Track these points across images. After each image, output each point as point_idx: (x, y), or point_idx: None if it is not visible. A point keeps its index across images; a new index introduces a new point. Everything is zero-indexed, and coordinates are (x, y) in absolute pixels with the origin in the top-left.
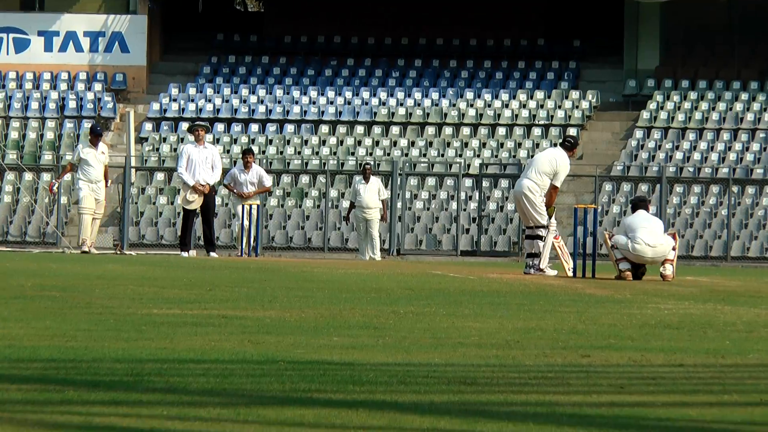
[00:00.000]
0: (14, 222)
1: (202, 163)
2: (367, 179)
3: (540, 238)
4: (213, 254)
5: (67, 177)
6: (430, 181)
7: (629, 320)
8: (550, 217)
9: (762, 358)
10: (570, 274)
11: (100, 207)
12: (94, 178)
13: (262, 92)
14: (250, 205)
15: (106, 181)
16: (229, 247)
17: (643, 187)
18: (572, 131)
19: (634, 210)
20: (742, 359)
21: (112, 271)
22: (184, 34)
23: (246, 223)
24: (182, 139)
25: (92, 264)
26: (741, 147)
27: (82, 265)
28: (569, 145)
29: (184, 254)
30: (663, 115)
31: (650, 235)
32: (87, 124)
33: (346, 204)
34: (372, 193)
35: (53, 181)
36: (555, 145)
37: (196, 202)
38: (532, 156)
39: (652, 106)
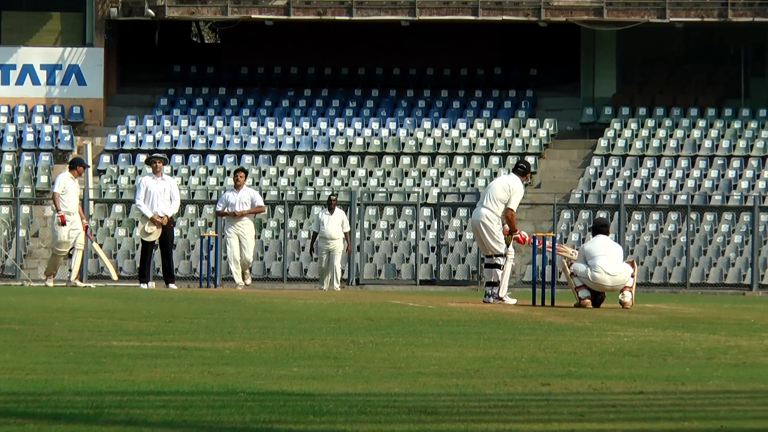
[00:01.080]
0: None
1: (161, 194)
2: (331, 210)
3: (498, 266)
4: (172, 286)
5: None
6: (389, 211)
7: (589, 348)
8: (507, 246)
9: (722, 384)
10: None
11: (81, 237)
12: (72, 209)
13: (219, 123)
14: (209, 237)
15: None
16: (188, 279)
17: (602, 215)
18: (530, 159)
19: (594, 234)
20: (702, 386)
21: (72, 304)
22: (140, 65)
23: (231, 252)
24: (140, 171)
25: (51, 297)
26: (699, 174)
27: (41, 297)
28: (522, 170)
29: (144, 286)
30: (620, 142)
31: (610, 263)
32: (45, 157)
33: (305, 234)
34: (336, 224)
35: (60, 213)
36: (509, 172)
37: (154, 233)
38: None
39: (609, 133)
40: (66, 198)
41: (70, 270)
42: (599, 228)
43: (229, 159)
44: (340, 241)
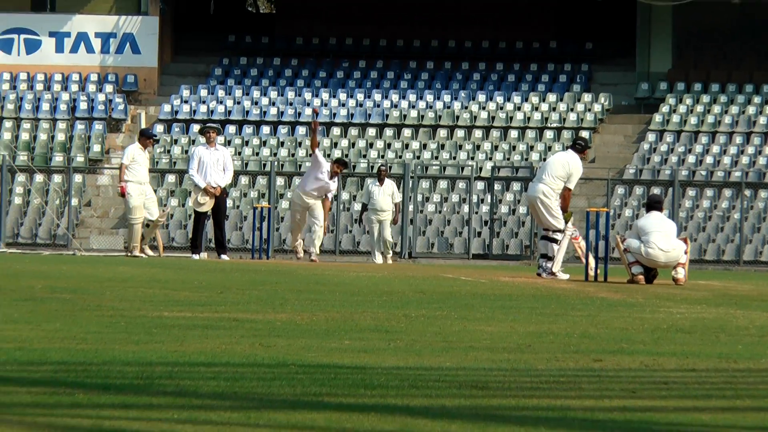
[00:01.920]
0: (25, 224)
1: (214, 165)
2: (381, 182)
3: (555, 241)
4: (224, 257)
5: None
6: (442, 184)
7: (641, 324)
8: (566, 222)
9: None
10: (591, 273)
11: (154, 208)
12: (143, 178)
13: (273, 94)
14: (262, 208)
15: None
16: (240, 250)
17: (656, 191)
18: (584, 134)
19: (648, 210)
20: (754, 364)
21: (123, 273)
22: (195, 34)
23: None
24: (193, 141)
25: (103, 266)
26: (754, 150)
27: (93, 267)
28: (580, 148)
29: (195, 257)
30: (675, 118)
31: (664, 239)
32: (98, 126)
33: (358, 206)
34: (386, 195)
35: (122, 184)
36: (567, 148)
37: (207, 204)
38: (545, 159)
39: (664, 109)
40: (135, 169)
41: (143, 237)
42: (653, 204)
43: (282, 130)
44: (389, 212)
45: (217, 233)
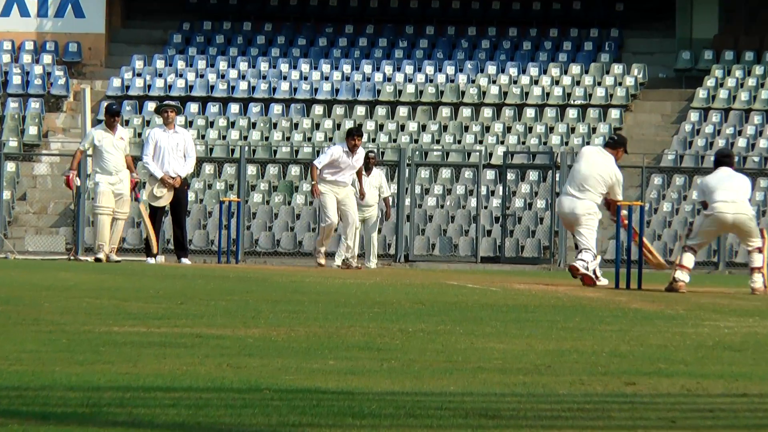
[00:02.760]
0: None
1: (173, 150)
2: (368, 170)
3: (583, 250)
4: (185, 260)
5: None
6: (445, 173)
7: (682, 340)
8: None
9: None
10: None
11: (122, 204)
12: (112, 168)
13: (243, 66)
14: (230, 202)
15: (131, 172)
16: (204, 252)
17: (699, 180)
18: (614, 113)
19: (716, 166)
20: None
21: (65, 281)
22: None
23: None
24: (148, 122)
25: (41, 272)
26: None
27: (29, 272)
28: (613, 144)
29: (151, 261)
30: (723, 93)
31: (731, 194)
32: (34, 104)
33: None
34: (372, 187)
35: (68, 172)
36: (609, 146)
37: (164, 197)
38: (566, 143)
39: (709, 82)
40: (101, 156)
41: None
42: (722, 159)
43: (255, 108)
44: (376, 208)
45: (177, 232)
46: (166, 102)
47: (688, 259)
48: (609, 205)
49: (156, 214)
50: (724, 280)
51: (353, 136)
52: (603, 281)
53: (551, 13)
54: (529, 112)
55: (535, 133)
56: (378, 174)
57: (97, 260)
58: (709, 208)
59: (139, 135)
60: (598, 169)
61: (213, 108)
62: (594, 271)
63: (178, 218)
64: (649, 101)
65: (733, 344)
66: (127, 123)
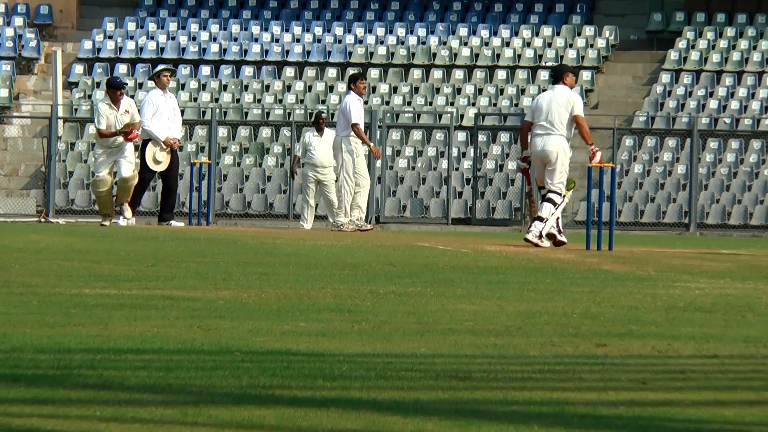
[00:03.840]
0: None
1: (171, 114)
2: (320, 131)
3: (554, 203)
4: (176, 223)
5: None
6: (416, 135)
7: (653, 302)
8: (569, 189)
9: None
10: None
11: (126, 166)
12: (116, 146)
13: (214, 28)
14: (201, 164)
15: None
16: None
17: (671, 142)
18: (586, 75)
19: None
20: None
21: (35, 243)
22: None
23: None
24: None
25: (11, 234)
26: None
27: (0, 235)
28: (557, 74)
29: (123, 222)
30: (694, 55)
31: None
32: (5, 66)
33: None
34: (326, 148)
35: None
36: (551, 83)
37: (165, 162)
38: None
39: (681, 44)
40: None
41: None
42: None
43: (226, 70)
44: (332, 170)
45: (170, 197)
46: (164, 66)
47: None
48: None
49: (147, 178)
50: (695, 242)
51: (362, 77)
52: (546, 244)
53: None
54: (501, 74)
55: (507, 95)
56: (331, 134)
57: (102, 225)
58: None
59: None
60: (556, 100)
61: (184, 70)
62: (541, 236)
63: (172, 183)
64: (621, 63)
65: (704, 306)
66: (98, 86)
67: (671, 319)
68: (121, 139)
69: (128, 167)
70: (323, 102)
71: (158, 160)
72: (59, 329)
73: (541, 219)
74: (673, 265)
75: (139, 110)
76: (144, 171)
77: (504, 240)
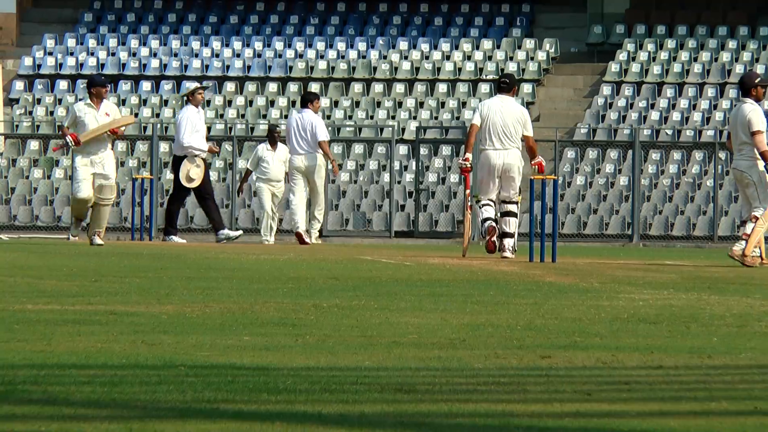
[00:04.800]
0: None
1: (203, 129)
2: (273, 145)
3: (515, 215)
4: (230, 233)
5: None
6: (358, 149)
7: (597, 314)
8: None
9: (755, 357)
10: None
11: (105, 190)
12: (93, 148)
13: (154, 43)
14: (143, 179)
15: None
16: (117, 230)
17: (613, 154)
18: (527, 87)
19: None
20: (732, 359)
21: None
22: None
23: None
24: (60, 101)
25: None
26: (729, 104)
27: None
28: (506, 86)
29: (175, 239)
30: (635, 67)
31: None
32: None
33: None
34: (280, 162)
35: (56, 146)
36: (495, 92)
37: (198, 179)
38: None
39: (621, 56)
40: (83, 134)
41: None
42: None
43: (166, 86)
44: (283, 183)
45: (214, 210)
46: (199, 85)
47: None
48: (531, 148)
49: (183, 195)
50: (638, 253)
51: (318, 97)
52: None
53: None
54: (442, 87)
55: (448, 108)
56: (284, 149)
57: (72, 236)
58: None
59: (51, 113)
60: (511, 115)
61: (125, 86)
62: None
63: (209, 194)
64: (562, 75)
65: (648, 317)
66: (38, 102)
67: (615, 331)
68: (96, 147)
69: (108, 190)
70: (264, 117)
71: (192, 177)
72: (2, 345)
73: (511, 235)
74: (616, 276)
75: (175, 127)
76: (179, 189)
77: (447, 252)
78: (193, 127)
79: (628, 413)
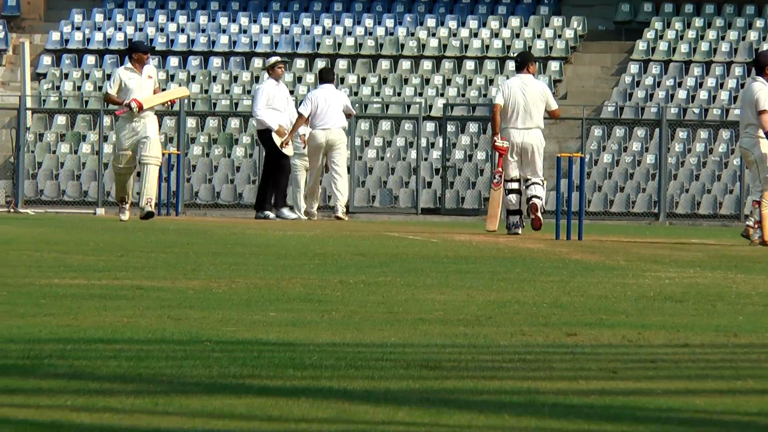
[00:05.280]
0: None
1: (285, 104)
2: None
3: (540, 185)
4: (288, 213)
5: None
6: (385, 125)
7: (623, 292)
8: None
9: None
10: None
11: (149, 147)
12: (137, 114)
13: (182, 19)
14: (170, 155)
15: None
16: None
17: (640, 132)
18: (554, 65)
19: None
20: (758, 338)
21: (5, 234)
22: None
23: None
24: (87, 75)
25: None
26: None
27: None
28: (520, 63)
29: (293, 215)
30: (663, 45)
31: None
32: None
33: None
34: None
35: (120, 109)
36: (516, 71)
37: (290, 146)
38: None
39: (649, 35)
40: (126, 98)
41: (138, 193)
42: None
43: (194, 61)
44: None
45: (277, 191)
46: (277, 59)
47: None
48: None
49: (284, 164)
50: (665, 231)
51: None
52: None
53: None
54: (469, 65)
55: (475, 86)
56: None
57: (121, 220)
58: None
59: (78, 88)
60: (532, 93)
61: (152, 61)
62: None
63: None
64: (589, 53)
65: (674, 295)
66: (66, 77)
67: (641, 309)
68: (141, 114)
69: (153, 150)
70: (291, 93)
71: (286, 143)
72: (29, 319)
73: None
74: (642, 254)
75: (252, 100)
76: (280, 158)
77: (473, 230)
78: (267, 101)
79: (653, 391)
